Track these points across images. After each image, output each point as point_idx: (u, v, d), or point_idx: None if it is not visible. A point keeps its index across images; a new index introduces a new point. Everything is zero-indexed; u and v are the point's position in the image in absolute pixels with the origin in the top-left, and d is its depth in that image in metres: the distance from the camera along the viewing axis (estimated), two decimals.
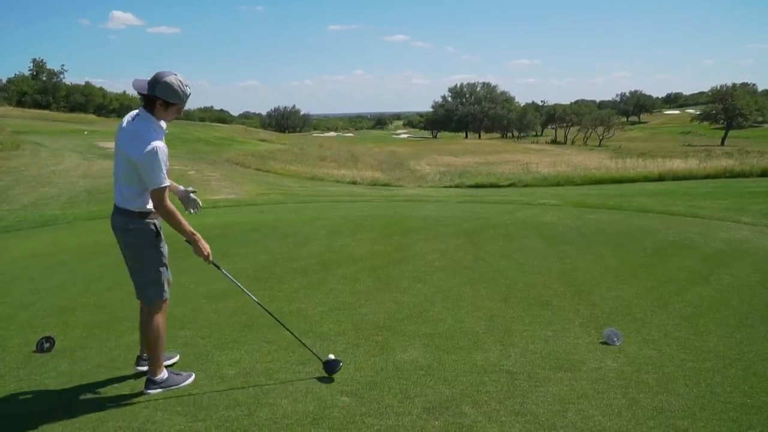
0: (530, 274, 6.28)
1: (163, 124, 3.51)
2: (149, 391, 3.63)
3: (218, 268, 3.81)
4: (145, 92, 3.37)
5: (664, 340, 4.41)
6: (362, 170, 34.22)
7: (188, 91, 3.42)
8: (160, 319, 3.64)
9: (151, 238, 3.53)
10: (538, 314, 5.01)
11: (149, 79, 3.38)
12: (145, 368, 3.81)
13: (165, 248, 3.68)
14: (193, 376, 3.80)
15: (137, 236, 3.50)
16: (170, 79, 3.33)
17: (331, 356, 3.95)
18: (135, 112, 3.49)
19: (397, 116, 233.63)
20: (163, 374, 3.70)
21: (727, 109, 79.86)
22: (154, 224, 3.54)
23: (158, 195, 3.37)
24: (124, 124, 3.45)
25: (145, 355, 3.87)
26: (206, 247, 3.59)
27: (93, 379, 3.82)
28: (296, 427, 3.19)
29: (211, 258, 3.63)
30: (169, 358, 3.94)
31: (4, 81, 72.65)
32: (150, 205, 3.48)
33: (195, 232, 3.55)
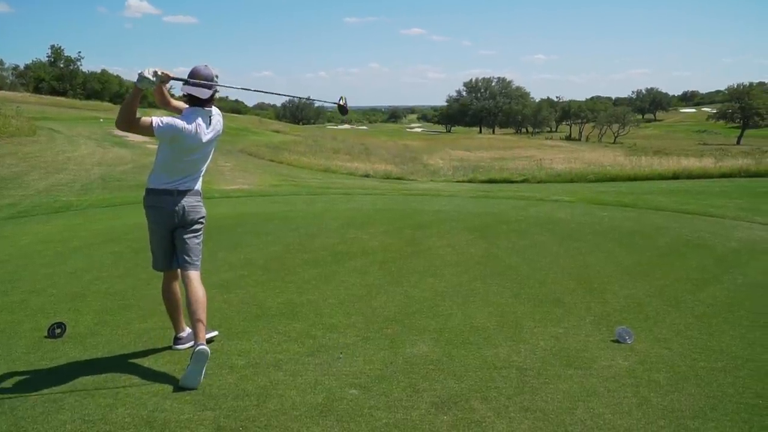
0: (542, 270, 6.24)
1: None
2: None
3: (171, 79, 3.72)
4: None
5: (676, 339, 4.37)
6: (375, 163, 34.21)
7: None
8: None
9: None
10: (550, 311, 4.97)
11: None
12: (180, 347, 4.12)
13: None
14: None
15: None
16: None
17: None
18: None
19: (411, 110, 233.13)
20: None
21: (743, 108, 79.13)
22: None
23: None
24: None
25: (180, 333, 4.17)
26: (148, 70, 3.52)
27: (103, 366, 3.83)
28: (304, 419, 3.18)
29: (159, 72, 3.56)
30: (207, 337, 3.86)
31: (22, 67, 73.37)
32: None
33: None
